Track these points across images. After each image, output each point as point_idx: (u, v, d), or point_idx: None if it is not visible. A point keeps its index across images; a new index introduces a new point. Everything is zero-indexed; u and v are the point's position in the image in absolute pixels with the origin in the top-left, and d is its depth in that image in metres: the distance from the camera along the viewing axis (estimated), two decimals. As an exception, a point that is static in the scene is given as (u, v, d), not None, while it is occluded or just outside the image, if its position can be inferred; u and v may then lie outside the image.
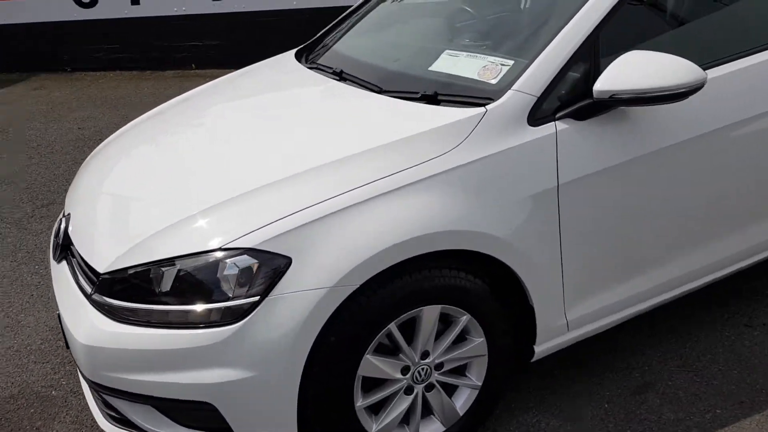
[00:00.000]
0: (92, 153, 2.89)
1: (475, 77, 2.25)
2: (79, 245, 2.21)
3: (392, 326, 2.00)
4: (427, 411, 2.20)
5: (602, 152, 2.15)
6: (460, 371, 2.23)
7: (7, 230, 4.18)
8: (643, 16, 2.40)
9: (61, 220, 2.46)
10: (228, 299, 1.86)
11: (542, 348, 2.29)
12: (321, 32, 3.23)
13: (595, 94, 2.08)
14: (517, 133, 2.07)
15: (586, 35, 2.14)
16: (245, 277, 1.85)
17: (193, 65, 7.91)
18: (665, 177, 2.27)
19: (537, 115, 2.10)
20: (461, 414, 2.22)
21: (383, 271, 1.91)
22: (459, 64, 2.37)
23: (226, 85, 3.09)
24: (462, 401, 2.23)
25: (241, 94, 2.93)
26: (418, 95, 2.27)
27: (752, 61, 2.36)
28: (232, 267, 1.86)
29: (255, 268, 1.85)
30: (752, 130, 2.39)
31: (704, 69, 2.10)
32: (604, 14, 2.16)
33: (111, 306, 1.97)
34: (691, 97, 2.11)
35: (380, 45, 2.93)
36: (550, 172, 2.09)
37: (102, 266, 2.02)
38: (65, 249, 2.33)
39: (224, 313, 1.85)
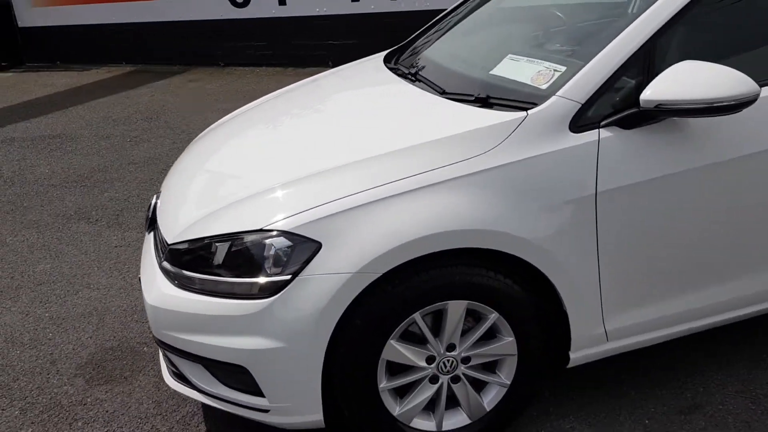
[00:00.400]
0: (195, 138, 3.21)
1: (528, 82, 2.29)
2: (160, 219, 2.50)
3: (417, 316, 2.10)
4: (455, 403, 2.28)
5: (648, 162, 2.12)
6: (491, 368, 2.28)
7: (141, 204, 4.70)
8: (712, 27, 2.31)
9: (154, 196, 2.78)
10: (266, 275, 2.05)
11: (578, 355, 2.29)
12: (412, 36, 3.37)
13: (641, 104, 2.06)
14: (557, 138, 2.10)
15: (640, 44, 2.12)
16: (281, 256, 2.03)
17: (329, 62, 8.32)
18: (716, 193, 2.19)
19: (580, 122, 2.11)
20: (488, 409, 2.28)
21: (409, 262, 2.02)
22: (518, 68, 2.41)
23: (319, 82, 3.31)
24: (490, 397, 2.28)
25: (326, 92, 3.13)
26: (473, 98, 2.35)
27: None
28: (270, 247, 2.05)
29: (289, 250, 2.03)
30: None
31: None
32: (660, 25, 2.12)
33: (173, 273, 2.23)
34: (750, 113, 2.04)
35: (457, 48, 3.01)
36: (588, 179, 2.09)
37: (170, 238, 2.29)
38: (153, 222, 2.63)
39: (262, 287, 2.05)
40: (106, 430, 2.58)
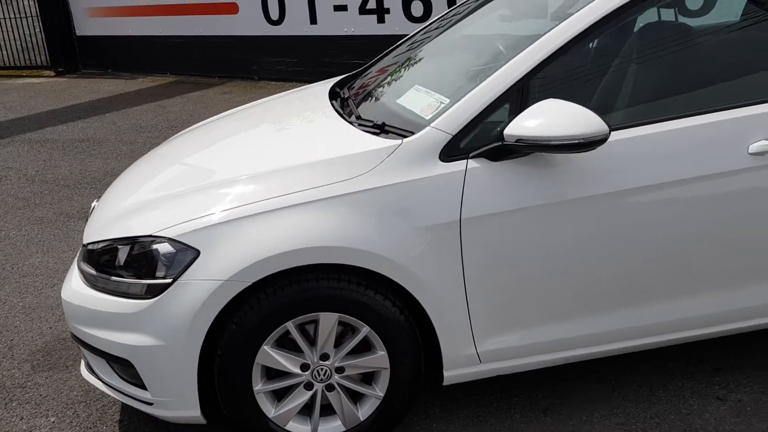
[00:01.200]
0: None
1: (418, 111, 2.43)
2: (88, 222, 2.74)
3: (290, 325, 2.26)
4: (332, 411, 2.42)
5: (513, 193, 2.23)
6: (369, 380, 2.41)
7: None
8: (580, 71, 2.40)
9: (95, 200, 3.03)
10: (152, 278, 2.25)
11: (452, 374, 2.40)
12: (371, 61, 3.54)
13: (504, 138, 2.17)
14: (427, 166, 2.23)
15: (512, 83, 2.24)
16: (165, 261, 2.23)
17: (353, 81, 8.54)
18: (579, 226, 2.27)
19: (451, 152, 2.24)
20: (362, 419, 2.41)
21: (283, 273, 2.18)
22: (418, 98, 2.55)
23: (265, 104, 3.53)
24: (365, 408, 2.41)
25: (264, 113, 3.33)
26: (371, 124, 2.50)
27: (676, 125, 2.29)
28: (157, 252, 2.25)
29: (172, 256, 2.22)
30: (666, 196, 2.30)
31: (630, 127, 2.13)
32: (533, 66, 2.24)
33: (85, 271, 2.45)
34: (616, 152, 2.14)
35: (387, 76, 3.15)
36: (453, 206, 2.21)
37: (85, 239, 2.52)
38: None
39: (149, 288, 2.25)
40: (35, 411, 2.82)
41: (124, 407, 2.79)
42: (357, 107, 2.80)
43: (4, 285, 3.95)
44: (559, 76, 2.31)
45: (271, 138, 2.84)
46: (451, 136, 2.24)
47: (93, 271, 2.40)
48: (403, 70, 3.10)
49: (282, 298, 2.22)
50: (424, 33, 3.41)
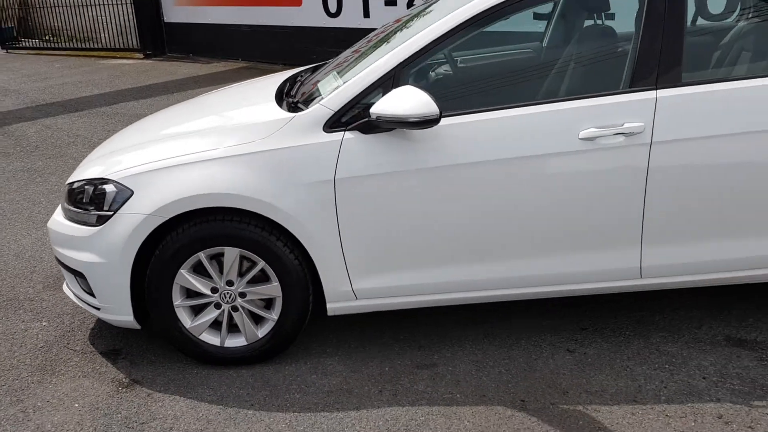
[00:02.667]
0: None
1: (323, 93, 2.98)
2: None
3: (201, 254, 2.87)
4: (237, 329, 3.03)
5: (376, 160, 2.74)
6: (268, 307, 3.00)
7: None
8: (446, 65, 2.89)
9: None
10: (100, 210, 2.92)
11: (334, 306, 2.95)
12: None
13: (370, 114, 2.70)
14: (312, 135, 2.78)
15: (384, 72, 2.76)
16: (110, 198, 2.90)
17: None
18: (426, 191, 2.76)
19: (333, 125, 2.78)
20: (259, 336, 3.00)
21: (192, 212, 2.80)
22: (329, 83, 3.10)
23: (232, 88, 4.19)
24: (263, 328, 3.00)
25: (225, 92, 3.99)
26: (289, 102, 3.07)
27: (517, 112, 2.75)
28: (105, 191, 2.92)
29: (115, 194, 2.89)
30: (506, 170, 2.75)
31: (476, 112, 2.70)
32: (404, 58, 2.75)
33: (64, 206, 3.16)
34: (461, 132, 2.65)
35: (327, 67, 3.69)
36: (330, 168, 2.75)
37: (67, 180, 3.24)
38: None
39: (97, 219, 2.92)
40: (33, 317, 3.58)
41: (98, 321, 3.49)
42: (292, 90, 3.37)
43: (43, 227, 4.78)
44: (424, 69, 2.80)
45: (216, 110, 3.47)
46: (333, 112, 2.78)
47: (68, 206, 3.10)
48: (341, 61, 3.65)
49: (195, 233, 2.84)
50: (381, 31, 3.93)
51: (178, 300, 2.96)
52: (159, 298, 2.94)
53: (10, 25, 15.41)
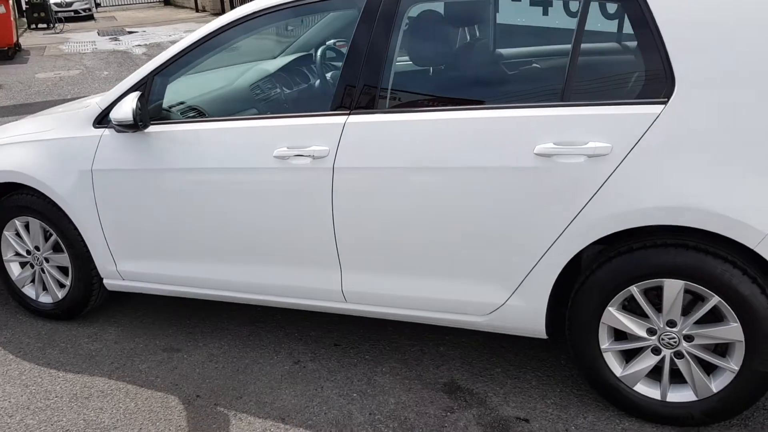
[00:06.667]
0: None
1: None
2: None
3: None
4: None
5: (119, 156, 3.06)
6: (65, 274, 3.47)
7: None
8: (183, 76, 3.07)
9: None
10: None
11: (109, 282, 3.34)
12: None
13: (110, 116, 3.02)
14: (85, 129, 3.18)
15: (139, 79, 3.04)
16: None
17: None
18: (147, 191, 3.01)
19: (102, 122, 3.14)
20: None
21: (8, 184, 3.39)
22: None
23: None
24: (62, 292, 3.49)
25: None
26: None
27: (227, 125, 2.87)
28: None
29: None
30: (204, 177, 2.89)
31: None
32: (154, 68, 3.01)
33: None
34: (169, 139, 2.91)
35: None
36: (90, 159, 3.14)
37: None
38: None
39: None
40: None
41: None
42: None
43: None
44: (173, 77, 3.04)
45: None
46: (101, 110, 3.14)
47: None
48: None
49: (13, 202, 3.42)
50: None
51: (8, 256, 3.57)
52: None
53: None
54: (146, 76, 3.04)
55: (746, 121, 2.18)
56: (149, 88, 3.04)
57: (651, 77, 2.31)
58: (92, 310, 3.60)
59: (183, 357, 3.18)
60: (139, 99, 2.92)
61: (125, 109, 2.88)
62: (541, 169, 2.39)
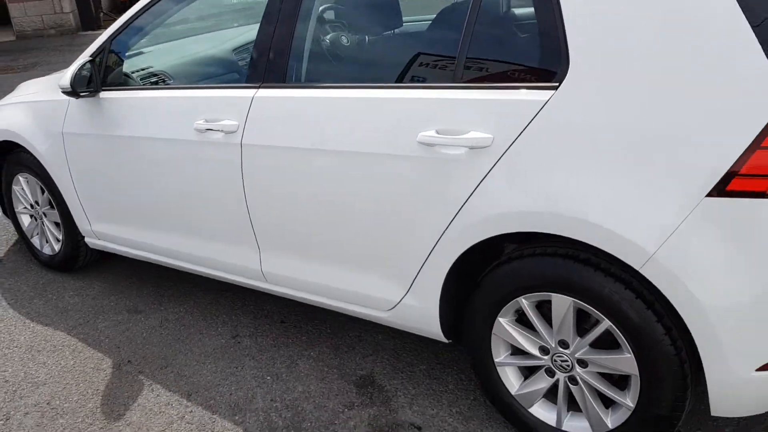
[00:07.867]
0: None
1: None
2: None
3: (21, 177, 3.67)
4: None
5: (81, 120, 3.12)
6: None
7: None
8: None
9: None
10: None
11: (89, 240, 3.48)
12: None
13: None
14: (59, 92, 3.28)
15: (100, 43, 3.06)
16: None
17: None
18: (101, 155, 3.04)
19: (77, 90, 3.23)
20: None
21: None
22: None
23: None
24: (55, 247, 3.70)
25: None
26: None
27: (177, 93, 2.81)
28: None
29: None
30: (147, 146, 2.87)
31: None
32: (110, 33, 3.02)
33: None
34: (113, 105, 2.94)
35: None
36: (60, 122, 3.24)
37: None
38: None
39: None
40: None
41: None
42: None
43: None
44: (133, 43, 3.03)
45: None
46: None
47: None
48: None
49: (16, 158, 3.64)
50: None
51: None
52: None
53: None
54: (104, 42, 3.06)
55: (638, 120, 1.78)
56: (106, 55, 3.06)
57: (546, 58, 1.95)
58: (89, 265, 3.78)
59: (140, 320, 3.26)
60: (91, 64, 2.96)
61: (66, 76, 2.94)
62: (423, 159, 2.12)
